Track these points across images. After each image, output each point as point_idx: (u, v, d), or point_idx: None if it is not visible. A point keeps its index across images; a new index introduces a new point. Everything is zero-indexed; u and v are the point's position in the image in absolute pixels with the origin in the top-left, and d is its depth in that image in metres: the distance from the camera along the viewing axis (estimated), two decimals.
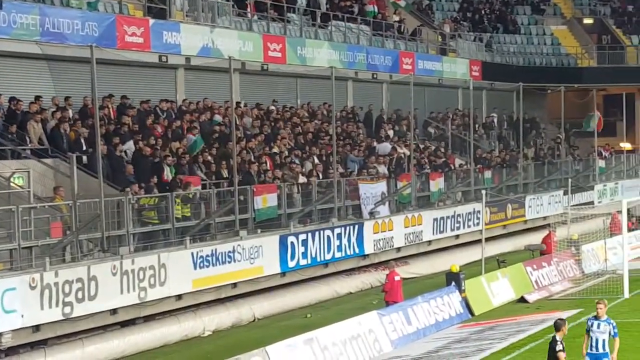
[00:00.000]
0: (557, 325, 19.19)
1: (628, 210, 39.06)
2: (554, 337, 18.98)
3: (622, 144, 64.57)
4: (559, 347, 18.79)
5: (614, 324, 20.32)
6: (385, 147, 45.84)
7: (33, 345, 24.39)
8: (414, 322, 29.05)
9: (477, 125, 55.26)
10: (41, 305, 23.15)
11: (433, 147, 50.39)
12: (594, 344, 20.01)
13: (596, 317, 20.25)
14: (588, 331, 20.11)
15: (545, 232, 42.90)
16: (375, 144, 45.98)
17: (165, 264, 27.38)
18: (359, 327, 26.47)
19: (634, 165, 64.07)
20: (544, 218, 49.94)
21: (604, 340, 20.01)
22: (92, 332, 25.93)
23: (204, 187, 33.07)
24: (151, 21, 36.47)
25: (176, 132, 34.94)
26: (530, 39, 69.60)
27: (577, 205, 50.05)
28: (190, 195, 31.72)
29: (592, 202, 53.18)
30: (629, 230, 39.81)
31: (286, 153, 38.94)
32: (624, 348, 21.41)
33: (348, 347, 25.47)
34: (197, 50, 39.17)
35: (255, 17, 44.12)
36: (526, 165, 53.44)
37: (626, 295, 33.64)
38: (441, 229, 42.90)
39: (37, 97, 31.33)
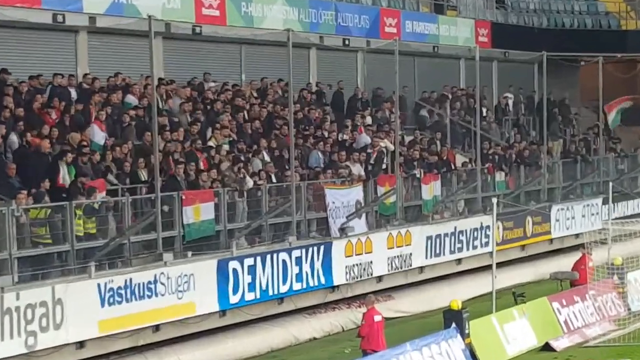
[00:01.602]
0: None
1: None
2: None
3: None
4: None
5: None
6: (361, 139, 46.03)
7: None
8: None
9: (485, 110, 55.72)
10: None
11: (426, 140, 50.56)
12: None
13: None
14: None
15: (577, 255, 42.54)
16: (347, 135, 46.12)
17: (61, 300, 27.03)
18: None
19: None
20: (577, 236, 50.01)
21: None
22: None
23: (114, 193, 32.77)
24: None
25: (77, 119, 34.88)
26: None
27: (620, 218, 50.31)
28: (96, 205, 31.40)
29: None
30: None
31: (227, 147, 38.91)
32: None
33: None
34: (105, 8, 38.78)
35: None
36: (552, 164, 53.92)
37: None
38: (437, 251, 42.98)
39: None
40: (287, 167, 38.20)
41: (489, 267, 37.69)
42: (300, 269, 35.81)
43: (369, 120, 48.55)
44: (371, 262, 39.23)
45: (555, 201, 51.47)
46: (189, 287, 31.23)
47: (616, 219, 48.25)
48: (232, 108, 42.17)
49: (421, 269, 42.30)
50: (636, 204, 54.77)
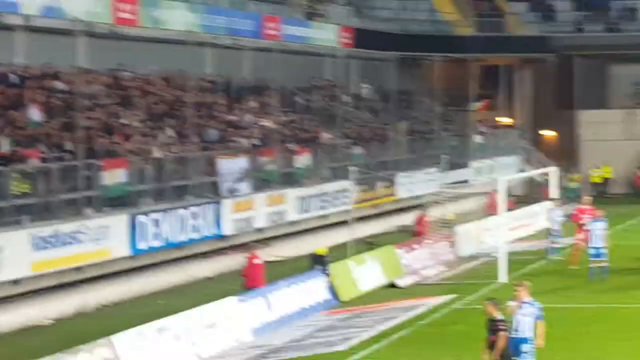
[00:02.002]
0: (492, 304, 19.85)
1: (507, 189, 39.69)
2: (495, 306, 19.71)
3: (500, 119, 65.70)
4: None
5: (539, 306, 20.59)
6: (248, 119, 45.83)
7: None
8: (276, 308, 29.09)
9: (347, 97, 55.75)
10: None
11: (300, 121, 50.53)
12: (515, 327, 20.18)
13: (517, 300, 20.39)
14: None
15: (418, 212, 43.39)
16: (237, 116, 45.90)
17: (1, 246, 26.72)
18: (216, 315, 26.49)
19: (512, 142, 65.22)
20: (417, 197, 50.36)
21: (527, 323, 20.27)
22: None
23: (45, 160, 32.18)
24: None
25: (15, 101, 34.31)
26: (405, 4, 69.17)
27: (452, 183, 50.88)
28: (30, 170, 30.80)
29: (467, 180, 54.32)
30: (508, 210, 40.50)
31: (138, 125, 38.44)
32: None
33: (204, 335, 25.49)
34: (39, 10, 37.83)
35: None
36: (399, 141, 53.97)
37: (504, 279, 34.36)
38: (307, 209, 43.29)
39: None
40: (187, 141, 38.11)
41: (348, 221, 38.20)
42: (197, 222, 35.73)
43: (254, 105, 48.17)
44: (254, 217, 39.28)
45: (401, 170, 51.73)
46: (105, 236, 30.98)
47: (448, 184, 48.80)
48: (143, 93, 41.59)
49: (294, 222, 42.44)
50: (464, 173, 55.47)
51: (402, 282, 35.44)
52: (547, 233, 41.25)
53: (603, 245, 35.11)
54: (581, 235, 36.94)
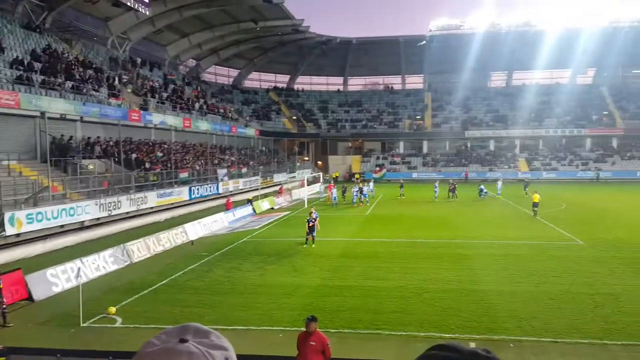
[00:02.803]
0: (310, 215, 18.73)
1: (306, 179, 38.95)
2: (310, 214, 18.71)
3: (304, 158, 64.75)
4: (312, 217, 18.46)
5: (317, 214, 20.08)
6: (226, 157, 41.81)
7: None
8: (237, 215, 27.94)
9: (257, 151, 51.56)
10: None
11: (243, 158, 46.12)
12: (313, 219, 19.42)
13: (311, 214, 19.70)
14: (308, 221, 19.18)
15: (280, 187, 41.39)
16: (224, 156, 42.15)
17: (147, 196, 24.83)
18: (217, 218, 25.41)
19: (308, 165, 61.47)
20: (279, 182, 46.88)
21: (315, 219, 19.37)
22: None
23: (161, 169, 29.40)
24: None
25: (152, 149, 31.92)
26: (275, 124, 63.49)
27: (290, 177, 49.74)
28: (156, 173, 28.33)
29: (295, 176, 52.32)
30: (306, 185, 39.50)
31: (190, 158, 35.44)
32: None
33: (214, 224, 24.54)
34: (159, 122, 33.96)
35: None
36: (273, 165, 50.03)
37: (306, 206, 32.86)
38: (245, 184, 38.66)
39: None
40: (207, 163, 35.49)
41: (258, 188, 35.97)
42: (210, 188, 32.01)
43: (229, 152, 44.06)
44: (229, 187, 35.01)
45: (275, 172, 47.53)
46: (181, 193, 28.53)
47: (289, 177, 46.64)
48: (193, 149, 38.16)
49: (242, 189, 37.19)
50: (294, 174, 51.65)
51: (275, 207, 33.64)
52: (319, 192, 40.25)
53: (335, 196, 34.24)
54: (329, 193, 36.06)
